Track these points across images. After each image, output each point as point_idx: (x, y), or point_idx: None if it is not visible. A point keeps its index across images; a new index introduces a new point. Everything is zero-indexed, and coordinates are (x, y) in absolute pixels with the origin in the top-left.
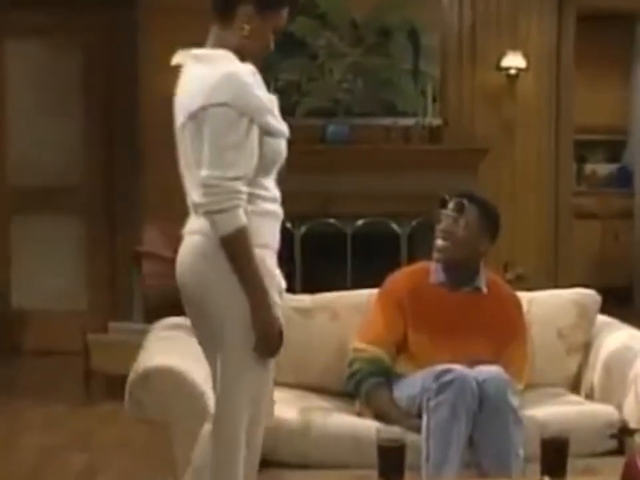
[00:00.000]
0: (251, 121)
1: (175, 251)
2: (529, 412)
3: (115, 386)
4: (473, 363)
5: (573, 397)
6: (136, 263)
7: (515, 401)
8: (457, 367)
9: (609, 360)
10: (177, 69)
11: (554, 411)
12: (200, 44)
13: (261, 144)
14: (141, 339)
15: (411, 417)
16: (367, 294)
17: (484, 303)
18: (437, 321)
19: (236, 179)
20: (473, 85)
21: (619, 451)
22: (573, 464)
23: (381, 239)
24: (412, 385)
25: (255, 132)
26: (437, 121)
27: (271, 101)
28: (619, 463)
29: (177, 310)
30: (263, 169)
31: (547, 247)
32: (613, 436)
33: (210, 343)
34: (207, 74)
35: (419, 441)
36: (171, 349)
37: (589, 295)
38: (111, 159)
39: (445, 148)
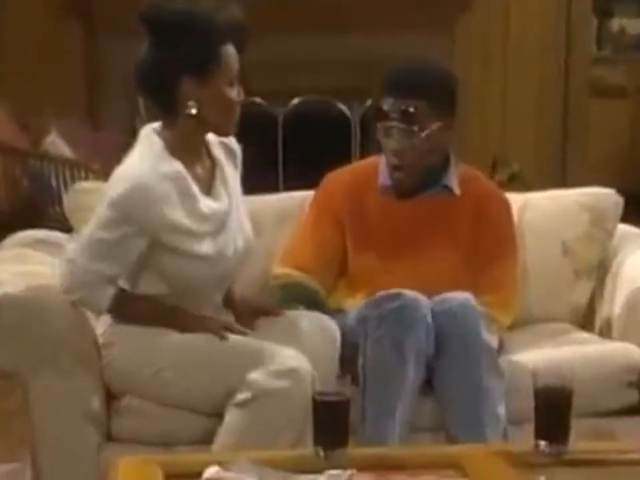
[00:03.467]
0: (137, 233)
1: (35, 144)
2: (519, 356)
3: None
4: (438, 291)
5: (582, 335)
6: None
7: (490, 339)
8: (408, 292)
9: (634, 284)
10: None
11: (553, 353)
12: None
13: (157, 258)
14: None
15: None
16: (301, 197)
17: (455, 207)
18: (388, 235)
19: (95, 272)
20: None
21: None
22: (578, 425)
23: (324, 125)
24: (350, 318)
25: (138, 243)
26: None
27: (194, 214)
28: None
29: (37, 221)
30: (163, 285)
31: (552, 135)
32: (632, 384)
33: None
34: (121, 166)
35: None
36: (26, 272)
37: (606, 196)
38: None
39: None
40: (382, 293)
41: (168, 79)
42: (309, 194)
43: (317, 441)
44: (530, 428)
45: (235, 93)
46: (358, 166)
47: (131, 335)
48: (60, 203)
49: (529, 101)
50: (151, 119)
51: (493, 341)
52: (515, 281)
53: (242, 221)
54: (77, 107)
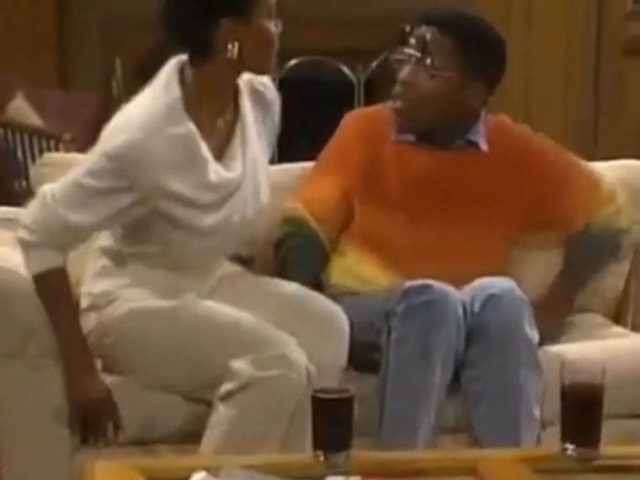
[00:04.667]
0: (124, 189)
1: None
2: (544, 350)
3: None
4: (460, 257)
5: (614, 328)
6: None
7: (532, 333)
8: (436, 284)
9: None
10: None
11: (582, 348)
12: None
13: (150, 222)
14: None
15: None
16: (300, 169)
17: (483, 165)
18: (402, 193)
19: (63, 219)
20: None
21: None
22: (609, 427)
23: (325, 89)
24: (371, 300)
25: (121, 198)
26: None
27: (199, 183)
28: None
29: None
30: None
31: (582, 100)
32: None
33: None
34: (129, 107)
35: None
36: None
37: None
38: None
39: None
40: (408, 284)
41: (204, 24)
42: (307, 165)
43: (317, 444)
44: (558, 430)
45: (273, 25)
46: (383, 110)
47: (124, 322)
48: (26, 177)
49: (555, 61)
50: (129, 81)
51: (535, 335)
52: (598, 178)
53: (258, 187)
54: (47, 68)
